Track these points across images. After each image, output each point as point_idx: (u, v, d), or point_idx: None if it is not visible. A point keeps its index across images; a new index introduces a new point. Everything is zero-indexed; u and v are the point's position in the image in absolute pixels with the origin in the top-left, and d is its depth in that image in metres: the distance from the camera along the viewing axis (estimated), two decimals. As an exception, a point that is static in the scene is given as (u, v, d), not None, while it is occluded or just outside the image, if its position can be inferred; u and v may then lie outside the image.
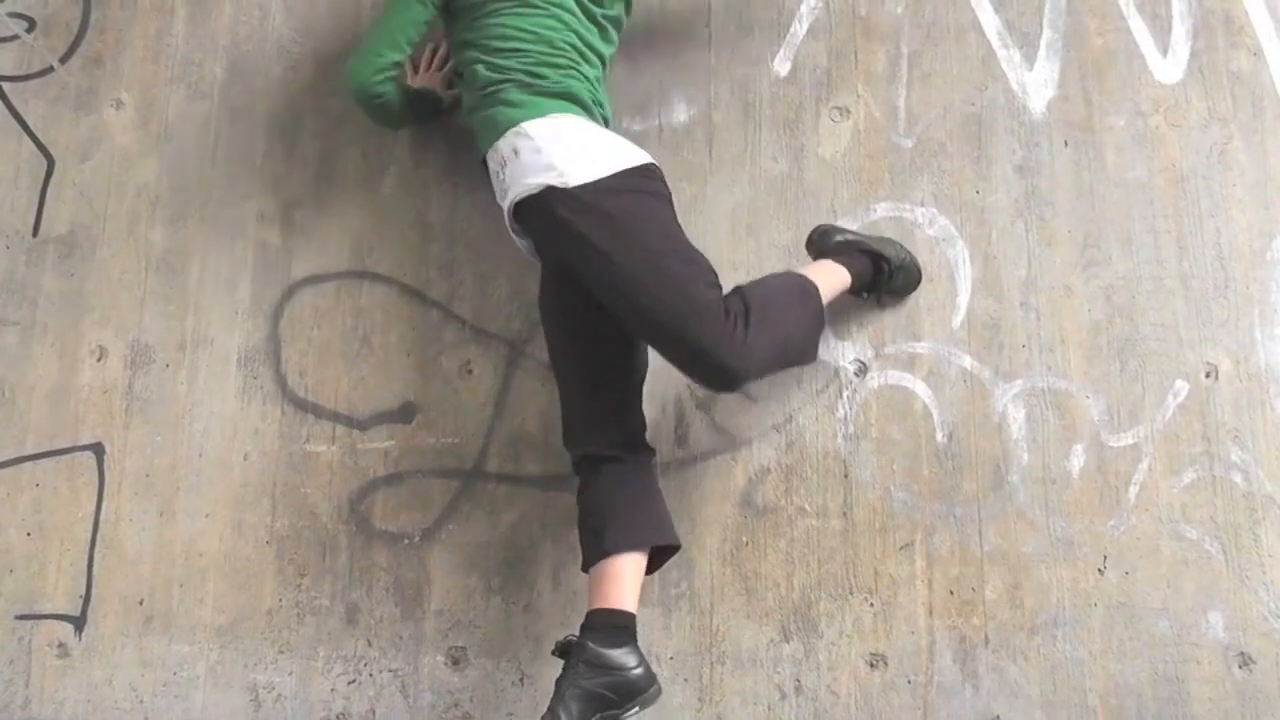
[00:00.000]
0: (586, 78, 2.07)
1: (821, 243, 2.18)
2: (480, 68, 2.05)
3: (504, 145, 2.00)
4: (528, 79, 2.02)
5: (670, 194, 2.04)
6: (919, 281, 2.25)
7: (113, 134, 2.57)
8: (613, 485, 1.99)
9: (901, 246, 2.22)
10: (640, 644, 1.97)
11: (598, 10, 2.11)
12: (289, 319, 2.42)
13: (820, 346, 2.09)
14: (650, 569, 1.99)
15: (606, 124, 2.13)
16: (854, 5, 2.41)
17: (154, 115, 2.57)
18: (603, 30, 2.14)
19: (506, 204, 2.03)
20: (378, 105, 2.19)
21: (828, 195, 2.32)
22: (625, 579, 1.92)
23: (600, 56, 2.13)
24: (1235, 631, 2.06)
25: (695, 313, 1.87)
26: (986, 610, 2.12)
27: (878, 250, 2.16)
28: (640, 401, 2.08)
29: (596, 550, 1.95)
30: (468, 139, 2.17)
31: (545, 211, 1.96)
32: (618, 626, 1.89)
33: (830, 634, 2.14)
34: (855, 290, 2.16)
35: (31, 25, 2.66)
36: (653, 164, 2.02)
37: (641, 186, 1.97)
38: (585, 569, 1.98)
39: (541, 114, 1.99)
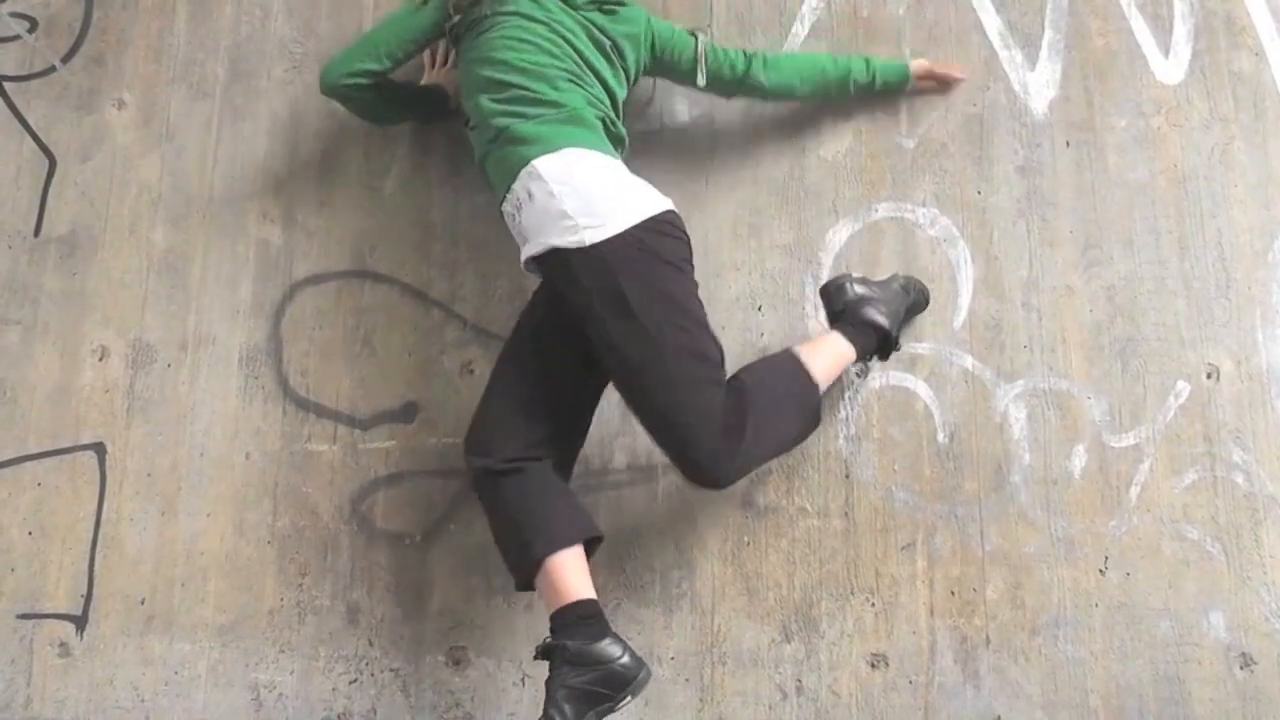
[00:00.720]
0: (591, 96, 2.04)
1: (835, 300, 2.12)
2: (484, 99, 2.02)
3: (518, 187, 1.97)
4: (530, 98, 1.99)
5: (689, 247, 1.99)
6: (926, 306, 2.23)
7: (114, 134, 2.57)
8: (520, 495, 1.94)
9: (913, 283, 2.19)
10: (641, 644, 1.97)
11: (605, 40, 2.08)
12: (291, 318, 2.42)
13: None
14: None
15: (622, 144, 2.09)
16: (855, 6, 2.41)
17: (155, 115, 2.57)
18: (609, 61, 2.09)
19: (522, 255, 2.01)
20: (347, 104, 2.25)
21: (829, 195, 2.32)
22: (572, 572, 1.90)
23: (605, 83, 2.08)
24: (1237, 632, 2.06)
25: (693, 421, 1.86)
26: (988, 610, 2.12)
27: (887, 329, 2.09)
28: (584, 417, 2.07)
29: (530, 563, 1.91)
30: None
31: (560, 267, 1.93)
32: (588, 617, 1.88)
33: (831, 634, 2.14)
34: (859, 360, 2.12)
35: (33, 25, 2.66)
36: (670, 212, 1.97)
37: (659, 250, 1.92)
38: (523, 587, 1.95)
39: (553, 149, 1.94)
